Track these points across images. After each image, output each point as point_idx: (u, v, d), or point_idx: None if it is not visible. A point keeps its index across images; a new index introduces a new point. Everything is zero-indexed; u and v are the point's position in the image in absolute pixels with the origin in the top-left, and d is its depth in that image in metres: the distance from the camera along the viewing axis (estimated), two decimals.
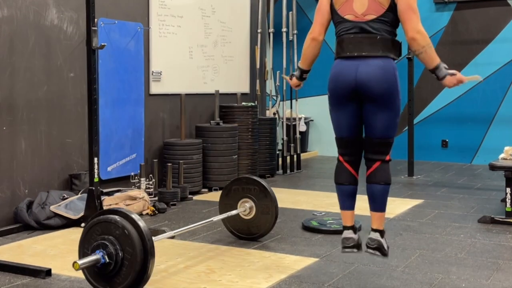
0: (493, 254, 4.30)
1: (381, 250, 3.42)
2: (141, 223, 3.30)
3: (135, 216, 3.33)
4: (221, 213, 4.66)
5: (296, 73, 3.70)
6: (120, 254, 3.24)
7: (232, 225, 4.66)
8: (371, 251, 3.43)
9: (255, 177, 4.63)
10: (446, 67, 3.30)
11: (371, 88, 3.25)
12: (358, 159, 3.48)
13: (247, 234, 4.62)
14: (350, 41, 3.33)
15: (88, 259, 3.23)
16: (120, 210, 3.37)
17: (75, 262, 3.19)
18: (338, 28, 3.41)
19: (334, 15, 3.41)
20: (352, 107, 3.35)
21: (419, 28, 3.23)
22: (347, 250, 3.49)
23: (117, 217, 3.30)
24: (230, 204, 4.63)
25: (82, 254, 3.34)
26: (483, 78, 8.64)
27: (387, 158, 3.40)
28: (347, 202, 3.49)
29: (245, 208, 4.57)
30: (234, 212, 4.57)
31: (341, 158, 3.48)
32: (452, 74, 3.29)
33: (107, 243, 3.25)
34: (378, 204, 3.41)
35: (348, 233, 3.47)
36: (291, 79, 3.80)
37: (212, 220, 4.41)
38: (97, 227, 3.33)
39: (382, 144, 3.37)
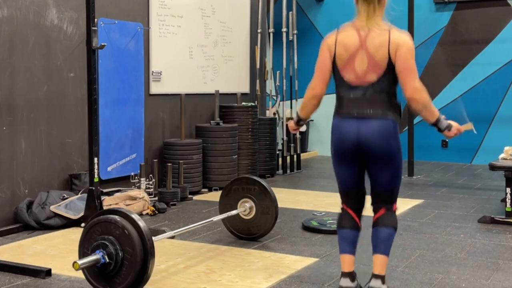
0: (493, 254, 4.30)
1: None
2: (141, 223, 3.30)
3: (135, 216, 3.32)
4: (221, 213, 4.66)
5: (295, 117, 3.67)
6: (120, 254, 3.24)
7: (232, 225, 4.66)
8: None
9: (255, 177, 4.63)
10: (445, 118, 3.36)
11: (373, 147, 3.27)
12: (361, 207, 3.49)
13: (247, 234, 4.62)
14: (350, 101, 3.31)
15: (88, 259, 3.23)
16: (120, 210, 3.37)
17: (75, 262, 3.19)
18: (339, 86, 3.38)
19: (336, 73, 3.36)
20: (355, 164, 3.37)
21: (417, 86, 3.23)
22: None
23: (117, 217, 3.30)
24: (230, 204, 4.63)
25: (82, 254, 3.34)
26: (483, 78, 8.55)
27: (394, 208, 3.42)
28: (348, 246, 3.42)
29: (245, 208, 4.57)
30: (234, 212, 4.57)
31: (345, 206, 3.48)
32: (450, 126, 3.37)
33: (107, 243, 3.25)
34: (382, 248, 3.36)
35: (344, 282, 3.38)
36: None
37: (212, 220, 4.41)
38: (97, 227, 3.33)
39: (387, 196, 3.40)
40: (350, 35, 3.27)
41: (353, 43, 3.26)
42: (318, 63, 3.40)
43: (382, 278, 3.33)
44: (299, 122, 3.65)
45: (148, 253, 3.25)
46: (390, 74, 3.25)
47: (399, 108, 3.36)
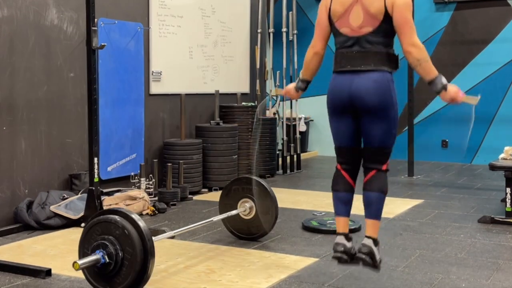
0: (493, 254, 4.30)
1: (371, 257, 3.37)
2: (141, 223, 3.30)
3: (135, 216, 3.33)
4: (221, 213, 4.66)
5: (301, 84, 3.66)
6: (120, 254, 3.24)
7: (232, 225, 4.66)
8: (362, 255, 3.38)
9: (255, 178, 4.63)
10: (444, 81, 3.30)
11: (365, 101, 3.30)
12: (356, 168, 3.52)
13: (247, 234, 4.62)
14: (344, 55, 3.38)
15: (88, 259, 3.24)
16: (120, 210, 3.38)
17: (75, 262, 3.19)
18: (336, 41, 3.46)
19: (332, 28, 3.45)
20: (350, 119, 3.40)
21: (413, 41, 3.24)
22: (337, 254, 3.41)
23: (117, 217, 3.30)
24: (230, 204, 4.63)
25: (82, 254, 3.35)
26: (483, 78, 8.52)
27: (384, 167, 3.42)
28: (342, 208, 3.50)
29: (245, 208, 4.57)
30: (234, 212, 4.57)
31: (339, 167, 3.53)
32: (447, 87, 3.29)
33: (107, 243, 3.25)
34: (372, 212, 3.42)
35: (339, 239, 3.43)
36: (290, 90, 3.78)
37: (212, 220, 4.41)
38: (97, 227, 3.33)
39: (379, 153, 3.40)
40: None
41: None
42: (316, 21, 3.49)
43: (374, 239, 3.39)
44: (300, 87, 3.66)
45: (148, 253, 3.25)
46: (386, 26, 3.28)
47: (395, 58, 3.38)
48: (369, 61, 3.31)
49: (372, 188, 3.40)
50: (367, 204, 3.43)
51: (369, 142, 3.39)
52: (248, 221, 4.59)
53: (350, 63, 3.35)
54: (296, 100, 8.49)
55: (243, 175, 4.89)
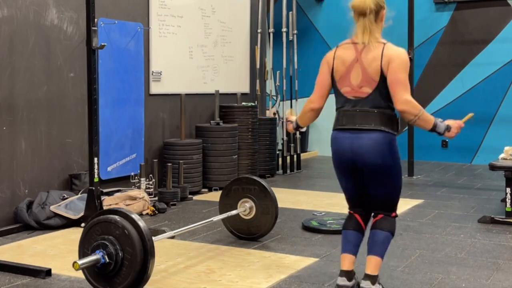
0: (493, 254, 4.30)
1: None
2: (141, 223, 3.30)
3: (135, 216, 3.33)
4: (221, 213, 4.66)
5: (294, 124, 3.74)
6: (120, 254, 3.24)
7: (232, 225, 4.66)
8: None
9: (255, 177, 4.64)
10: (441, 121, 3.39)
11: (365, 161, 3.31)
12: (368, 213, 3.52)
13: (247, 234, 4.62)
14: (345, 114, 3.38)
15: (88, 259, 3.23)
16: (120, 210, 3.38)
17: (75, 262, 3.19)
18: (336, 101, 3.46)
19: (334, 86, 3.44)
20: (355, 176, 3.41)
21: (406, 98, 3.24)
22: None
23: (117, 217, 3.30)
24: (230, 204, 4.63)
25: (82, 254, 3.34)
26: (483, 78, 8.52)
27: (393, 215, 3.44)
28: (349, 246, 3.45)
29: (245, 208, 4.57)
30: (234, 212, 4.57)
31: (351, 211, 3.53)
32: (449, 127, 3.39)
33: (107, 243, 3.25)
34: (377, 249, 3.38)
35: (342, 281, 3.40)
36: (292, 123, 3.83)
37: (212, 220, 4.41)
38: (97, 227, 3.33)
39: (385, 204, 3.43)
40: (347, 49, 3.35)
41: (349, 57, 3.33)
42: (318, 78, 3.48)
43: (372, 278, 3.34)
44: (298, 127, 3.75)
45: (148, 253, 3.25)
46: (384, 87, 3.28)
47: (395, 120, 3.39)
48: (369, 121, 3.30)
49: (380, 227, 3.39)
50: (373, 241, 3.40)
51: (375, 196, 3.41)
52: (248, 221, 4.59)
53: (350, 122, 3.34)
54: (296, 100, 8.49)
55: (243, 175, 4.89)
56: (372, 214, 3.47)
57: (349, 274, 3.40)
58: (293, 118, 3.77)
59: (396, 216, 3.45)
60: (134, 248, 3.22)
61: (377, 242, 3.37)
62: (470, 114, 3.47)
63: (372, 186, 3.38)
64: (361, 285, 3.36)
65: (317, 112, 3.53)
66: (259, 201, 4.55)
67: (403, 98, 3.23)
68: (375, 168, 3.30)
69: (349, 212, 3.53)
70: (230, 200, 4.64)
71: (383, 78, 3.26)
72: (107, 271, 3.26)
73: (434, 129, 3.38)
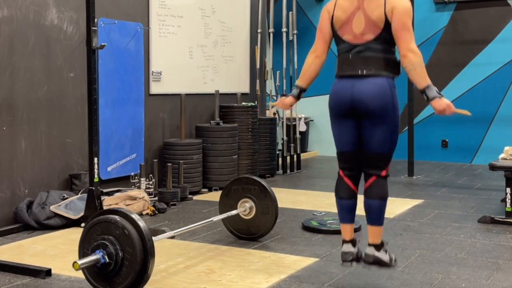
0: (493, 254, 4.30)
1: (378, 264, 3.45)
2: (141, 223, 3.30)
3: (135, 216, 3.33)
4: (221, 213, 4.66)
5: (294, 91, 3.68)
6: (120, 254, 3.24)
7: (232, 225, 4.66)
8: (367, 266, 3.49)
9: (255, 177, 4.64)
10: (437, 91, 3.29)
11: (366, 105, 3.32)
12: (358, 174, 3.53)
13: (247, 234, 4.62)
14: (346, 61, 3.41)
15: (88, 259, 3.23)
16: (120, 210, 3.38)
17: (75, 262, 3.19)
18: (338, 48, 3.49)
19: (335, 35, 3.47)
20: (351, 124, 3.42)
21: (411, 47, 3.26)
22: (347, 264, 3.52)
23: (117, 217, 3.30)
24: (230, 204, 4.63)
25: (82, 254, 3.35)
26: (483, 78, 8.49)
27: (383, 173, 3.43)
28: (347, 216, 3.53)
29: (245, 208, 4.57)
30: (234, 212, 4.57)
31: (341, 173, 3.54)
32: (441, 97, 3.28)
33: (107, 243, 3.25)
34: (374, 219, 3.45)
35: (347, 247, 3.49)
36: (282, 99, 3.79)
37: (212, 220, 4.41)
38: (97, 227, 3.33)
39: (378, 159, 3.41)
40: None
41: (351, 5, 3.37)
42: (318, 26, 3.52)
43: (376, 246, 3.43)
44: (294, 94, 3.68)
45: (148, 253, 3.25)
46: (387, 33, 3.31)
47: (397, 64, 3.40)
48: (370, 67, 3.33)
49: (372, 195, 3.41)
50: (368, 211, 3.45)
51: (369, 147, 3.40)
52: (248, 221, 4.59)
53: (351, 68, 3.37)
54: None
55: (243, 175, 4.89)
56: (364, 176, 3.47)
57: (352, 241, 3.50)
58: (289, 97, 3.72)
59: (388, 175, 3.45)
60: (134, 248, 3.22)
61: (373, 212, 3.42)
62: (466, 112, 3.40)
63: (368, 135, 3.36)
64: (366, 251, 3.44)
65: (321, 61, 3.54)
66: (259, 201, 4.55)
67: (409, 46, 3.25)
68: (375, 112, 3.29)
69: (339, 175, 3.53)
70: (230, 200, 4.64)
71: (387, 25, 3.28)
72: (107, 271, 3.26)
73: (425, 90, 3.26)
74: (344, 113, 3.40)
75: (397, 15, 3.26)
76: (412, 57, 3.25)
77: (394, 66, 3.38)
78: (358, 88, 3.33)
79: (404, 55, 3.26)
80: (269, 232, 4.63)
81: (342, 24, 3.39)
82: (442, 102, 3.25)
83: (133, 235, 3.24)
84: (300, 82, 3.64)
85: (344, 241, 3.52)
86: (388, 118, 3.33)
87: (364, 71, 3.33)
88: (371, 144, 3.38)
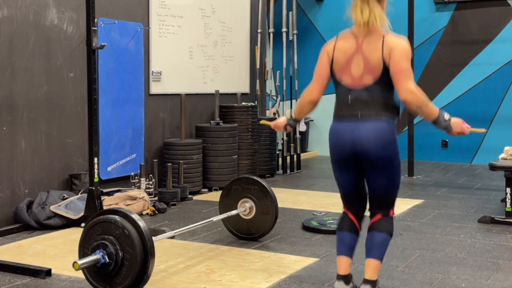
0: (493, 254, 4.30)
1: None
2: (141, 223, 3.30)
3: (135, 216, 3.33)
4: (221, 213, 4.66)
5: (291, 122, 3.66)
6: (120, 254, 3.24)
7: (232, 225, 4.66)
8: None
9: (255, 177, 4.63)
10: (447, 117, 3.27)
11: (367, 150, 3.26)
12: (362, 211, 3.49)
13: (247, 234, 4.62)
14: (345, 104, 3.34)
15: (88, 259, 3.24)
16: (120, 210, 3.38)
17: (75, 262, 3.19)
18: (337, 91, 3.42)
19: (334, 77, 3.40)
20: (353, 168, 3.37)
21: (409, 87, 3.19)
22: None
23: (117, 217, 3.30)
24: (230, 204, 4.63)
25: (82, 254, 3.35)
26: (483, 78, 8.47)
27: (391, 214, 3.40)
28: (345, 249, 3.43)
29: (245, 208, 4.57)
30: (234, 212, 4.57)
31: (345, 210, 3.50)
32: (449, 127, 3.27)
33: (107, 243, 3.25)
34: (375, 252, 3.35)
35: (339, 285, 3.39)
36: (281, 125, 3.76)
37: (212, 220, 4.41)
38: (97, 227, 3.33)
39: (383, 201, 3.38)
40: (348, 40, 3.32)
41: (350, 48, 3.30)
42: (316, 68, 3.44)
43: (372, 283, 3.33)
44: (291, 124, 3.66)
45: (148, 253, 3.25)
46: (386, 77, 3.25)
47: (396, 109, 3.35)
48: (370, 110, 3.27)
49: (378, 229, 3.35)
50: (371, 243, 3.36)
51: (373, 191, 3.37)
52: (248, 221, 4.59)
53: (351, 111, 3.31)
54: (296, 100, 8.48)
55: (243, 175, 4.89)
56: (369, 214, 3.44)
57: (346, 278, 3.39)
58: (282, 119, 3.71)
59: (394, 215, 3.43)
60: (134, 248, 3.22)
61: (375, 245, 3.34)
62: (482, 130, 3.40)
63: (371, 178, 3.33)
64: None
65: (315, 103, 3.49)
66: (259, 201, 4.55)
67: (407, 87, 3.18)
68: (377, 157, 3.25)
69: (343, 212, 3.50)
70: (230, 200, 4.64)
71: (385, 69, 3.23)
72: (107, 271, 3.26)
73: (436, 121, 3.28)
74: (346, 161, 3.35)
75: (394, 58, 3.20)
76: (414, 100, 3.19)
77: (393, 109, 3.34)
78: (358, 132, 3.27)
79: (405, 100, 3.20)
80: (269, 232, 4.62)
81: (341, 67, 3.33)
82: (455, 129, 3.26)
83: (133, 235, 3.24)
84: (297, 116, 3.62)
85: (338, 277, 3.41)
86: (390, 164, 3.30)
87: (364, 114, 3.28)
88: (375, 188, 3.35)
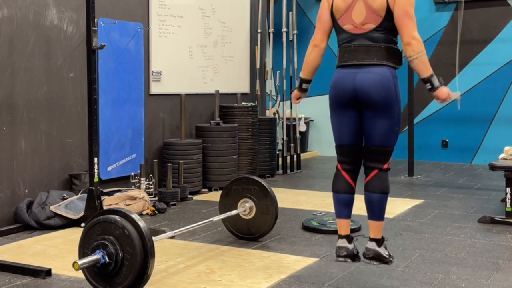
0: (493, 254, 4.30)
1: (378, 259, 3.44)
2: (141, 223, 3.30)
3: (135, 216, 3.33)
4: (221, 213, 4.66)
5: (297, 84, 3.69)
6: (120, 254, 3.24)
7: (232, 225, 4.66)
8: (366, 261, 3.48)
9: (255, 177, 4.64)
10: (440, 79, 3.32)
11: (369, 95, 3.29)
12: (357, 168, 3.51)
13: (247, 234, 4.62)
14: (347, 50, 3.39)
15: (88, 259, 3.24)
16: (120, 210, 3.38)
17: (75, 262, 3.19)
18: (339, 38, 3.48)
19: (335, 24, 3.46)
20: (352, 114, 3.39)
21: (414, 35, 3.25)
22: (340, 259, 3.50)
23: (117, 217, 3.30)
24: (230, 204, 4.63)
25: (82, 254, 3.35)
26: (483, 78, 8.51)
27: (385, 166, 3.41)
28: (343, 210, 3.50)
29: (245, 208, 4.57)
30: (234, 212, 4.57)
31: (339, 166, 3.52)
32: (443, 87, 3.33)
33: (107, 243, 3.25)
34: (375, 213, 3.44)
35: (342, 242, 3.48)
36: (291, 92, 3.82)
37: (212, 220, 4.41)
38: (97, 227, 3.33)
39: (380, 152, 3.38)
40: None
41: None
42: (318, 16, 3.51)
43: (377, 241, 3.43)
44: (301, 86, 3.67)
45: (148, 253, 3.25)
46: (388, 22, 3.30)
47: (399, 54, 3.38)
48: (372, 56, 3.31)
49: (374, 189, 3.39)
50: (369, 205, 3.43)
51: (371, 139, 3.38)
52: (248, 221, 4.59)
53: (353, 58, 3.35)
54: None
55: (243, 175, 4.89)
56: (364, 170, 3.45)
57: (348, 237, 3.49)
58: (294, 93, 3.73)
59: (389, 169, 3.44)
60: (134, 248, 3.22)
61: (374, 207, 3.41)
62: (457, 96, 3.43)
63: (370, 126, 3.34)
64: (367, 245, 3.44)
65: (321, 49, 3.52)
66: (259, 201, 4.55)
67: (413, 33, 3.24)
68: (378, 102, 3.28)
69: (337, 168, 3.53)
70: (230, 200, 4.64)
71: (388, 13, 3.27)
72: (107, 271, 3.26)
73: (430, 78, 3.29)
74: (346, 103, 3.37)
75: (399, 3, 3.25)
76: (416, 45, 3.23)
77: (396, 56, 3.36)
78: (361, 77, 3.30)
79: (408, 43, 3.24)
80: (269, 232, 4.62)
81: (342, 14, 3.37)
82: (445, 90, 3.30)
83: (133, 235, 3.24)
84: (303, 73, 3.64)
85: (340, 236, 3.50)
86: (391, 109, 3.31)
87: (366, 60, 3.31)
88: (374, 136, 3.35)
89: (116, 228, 3.27)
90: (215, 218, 4.46)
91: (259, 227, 4.57)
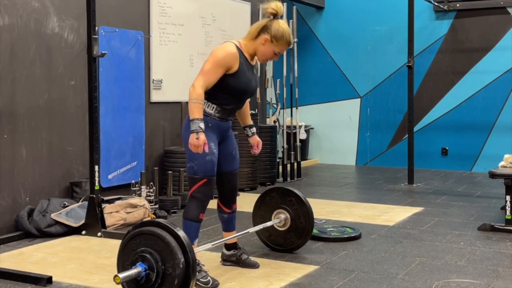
0: (493, 261, 4.30)
1: None
2: (181, 234, 3.19)
3: (176, 228, 3.21)
4: (254, 224, 4.53)
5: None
6: (162, 267, 3.13)
7: (266, 236, 4.56)
8: None
9: (291, 188, 4.48)
10: (200, 128, 3.84)
11: None
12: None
13: (281, 245, 4.51)
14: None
15: (129, 272, 3.10)
16: (160, 222, 3.25)
17: (116, 276, 3.07)
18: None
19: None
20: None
21: (193, 83, 3.72)
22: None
23: (158, 229, 3.19)
24: (263, 215, 4.50)
25: (121, 267, 3.23)
26: (483, 86, 8.59)
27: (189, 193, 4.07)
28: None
29: (280, 219, 4.45)
30: (269, 223, 4.41)
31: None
32: (196, 136, 3.93)
33: (148, 256, 3.14)
34: None
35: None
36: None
37: (248, 232, 4.31)
38: (137, 239, 3.21)
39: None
40: None
41: None
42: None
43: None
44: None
45: (189, 266, 3.12)
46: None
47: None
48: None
49: None
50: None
51: None
52: (282, 232, 4.47)
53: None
54: (297, 108, 8.49)
55: (278, 186, 4.71)
56: None
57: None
58: None
59: (194, 197, 4.27)
60: (175, 260, 3.11)
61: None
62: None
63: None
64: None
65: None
66: (294, 212, 4.42)
67: (193, 82, 3.71)
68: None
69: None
70: (263, 211, 4.52)
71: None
72: (148, 284, 3.15)
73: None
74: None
75: None
76: (189, 92, 3.71)
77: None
78: None
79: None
80: (304, 244, 4.51)
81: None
82: (192, 143, 3.91)
83: (175, 248, 3.12)
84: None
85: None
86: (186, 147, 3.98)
87: None
88: None
89: (157, 241, 3.16)
90: (251, 230, 4.34)
91: (294, 239, 4.46)
